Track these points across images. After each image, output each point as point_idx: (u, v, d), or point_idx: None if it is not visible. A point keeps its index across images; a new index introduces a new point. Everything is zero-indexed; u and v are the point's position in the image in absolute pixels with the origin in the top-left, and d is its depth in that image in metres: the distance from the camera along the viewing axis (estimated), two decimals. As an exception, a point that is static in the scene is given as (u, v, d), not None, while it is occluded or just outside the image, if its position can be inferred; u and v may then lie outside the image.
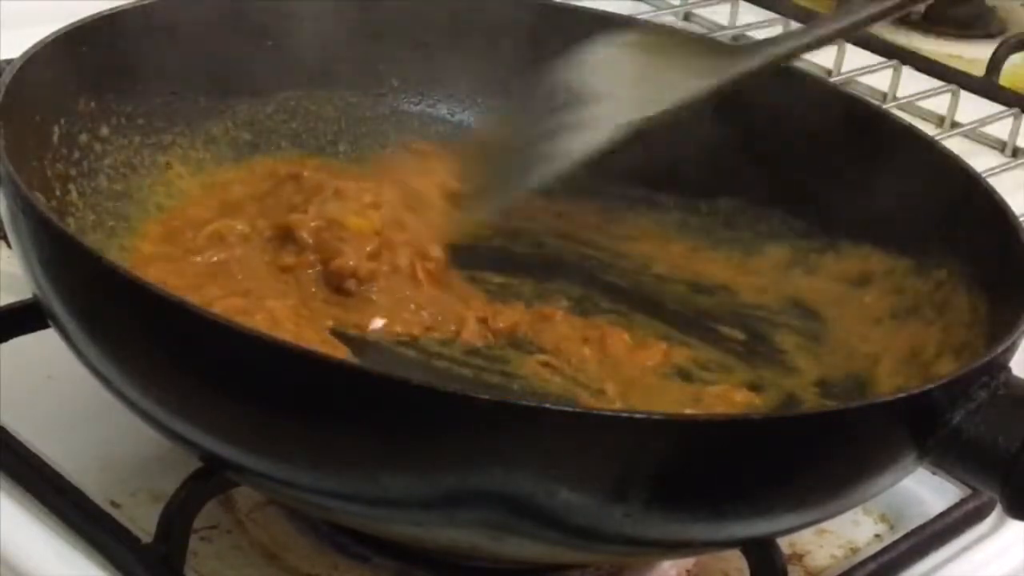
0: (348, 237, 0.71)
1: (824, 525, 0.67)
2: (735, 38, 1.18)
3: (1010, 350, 0.59)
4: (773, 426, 0.55)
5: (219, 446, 0.56)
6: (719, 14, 1.21)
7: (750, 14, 1.21)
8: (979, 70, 1.13)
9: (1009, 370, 0.59)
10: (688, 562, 0.66)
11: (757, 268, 0.78)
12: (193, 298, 0.61)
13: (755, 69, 0.70)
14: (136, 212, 0.72)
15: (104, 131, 0.72)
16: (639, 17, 1.00)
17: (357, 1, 0.81)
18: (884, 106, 0.99)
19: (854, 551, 0.69)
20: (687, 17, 1.22)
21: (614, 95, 0.69)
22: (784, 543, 0.63)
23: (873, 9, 0.71)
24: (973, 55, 1.21)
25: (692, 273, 0.79)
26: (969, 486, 0.70)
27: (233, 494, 0.65)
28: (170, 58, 0.75)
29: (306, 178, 0.74)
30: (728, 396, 0.69)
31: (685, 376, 0.71)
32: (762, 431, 0.55)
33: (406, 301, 0.70)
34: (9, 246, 0.63)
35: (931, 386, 0.57)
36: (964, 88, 1.11)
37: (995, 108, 1.10)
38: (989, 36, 1.26)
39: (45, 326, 0.62)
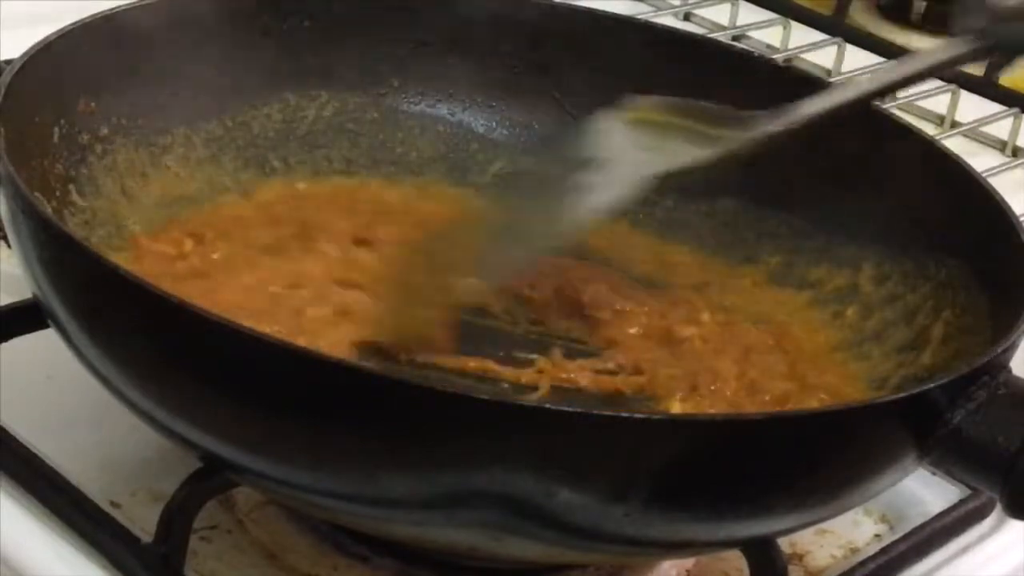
0: None
1: (824, 525, 0.67)
2: (735, 38, 1.18)
3: (1010, 350, 0.59)
4: (773, 426, 0.55)
5: (219, 446, 0.56)
6: (719, 14, 1.21)
7: (750, 14, 1.21)
8: (979, 70, 1.13)
9: (1009, 370, 0.59)
10: (688, 562, 0.66)
11: (756, 269, 0.78)
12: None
13: (766, 136, 0.70)
14: (136, 212, 0.72)
15: (104, 131, 0.72)
16: (639, 17, 0.99)
17: (357, 1, 0.81)
18: (884, 106, 0.98)
19: (854, 551, 0.69)
20: (687, 17, 1.22)
21: (623, 159, 0.69)
22: (784, 543, 0.63)
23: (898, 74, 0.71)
24: (973, 55, 1.21)
25: (691, 272, 0.79)
26: (969, 486, 0.70)
27: (233, 494, 0.65)
28: (170, 58, 0.75)
29: None
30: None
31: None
32: (762, 431, 0.55)
33: None
34: (9, 246, 0.63)
35: (931, 386, 0.57)
36: (964, 88, 1.11)
37: (995, 108, 1.10)
38: (989, 36, 1.26)
39: (45, 326, 0.62)
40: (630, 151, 0.69)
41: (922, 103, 1.10)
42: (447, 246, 0.73)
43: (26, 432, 0.66)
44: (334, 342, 0.66)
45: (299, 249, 0.73)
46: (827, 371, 0.71)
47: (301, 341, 0.62)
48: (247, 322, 0.54)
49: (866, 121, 0.77)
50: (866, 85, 0.71)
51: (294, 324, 0.67)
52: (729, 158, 0.70)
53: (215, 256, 0.71)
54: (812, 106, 0.70)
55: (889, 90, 0.72)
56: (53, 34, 0.69)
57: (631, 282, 0.76)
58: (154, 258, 0.70)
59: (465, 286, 0.69)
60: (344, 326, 0.68)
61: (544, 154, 0.74)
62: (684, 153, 0.69)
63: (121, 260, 0.67)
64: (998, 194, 0.70)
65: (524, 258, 0.71)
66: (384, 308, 0.69)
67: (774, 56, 1.12)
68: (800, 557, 0.68)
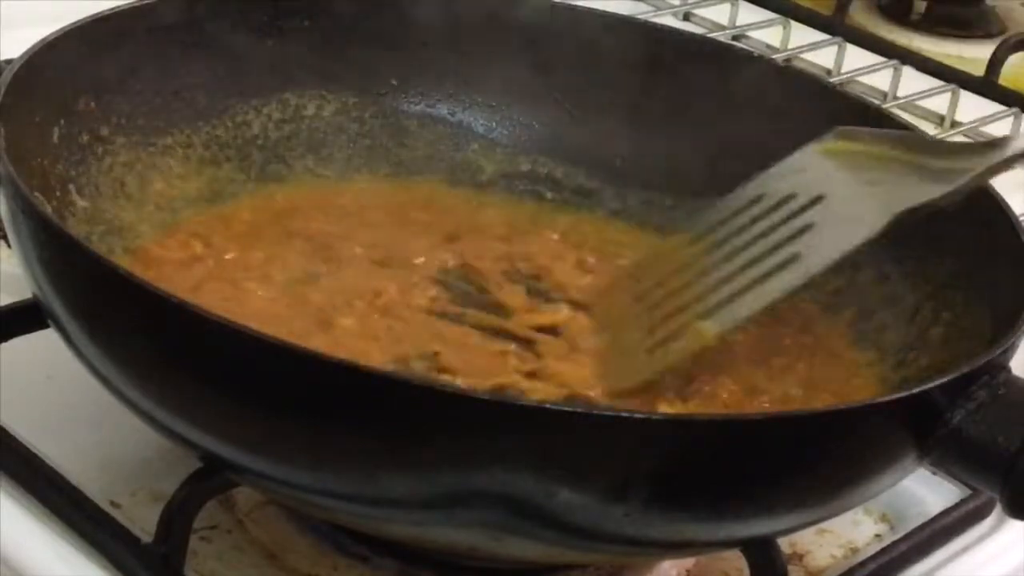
0: None
1: (824, 525, 0.67)
2: (735, 38, 1.18)
3: (1010, 350, 0.59)
4: (773, 426, 0.55)
5: (219, 446, 0.56)
6: (719, 14, 1.21)
7: (750, 14, 1.21)
8: (979, 70, 1.13)
9: (1009, 370, 0.59)
10: (688, 562, 0.66)
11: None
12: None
13: (992, 168, 0.65)
14: (136, 212, 0.72)
15: (104, 131, 0.72)
16: (639, 17, 0.99)
17: (357, 1, 0.81)
18: (884, 106, 0.99)
19: (854, 551, 0.69)
20: (687, 17, 1.22)
21: (850, 195, 0.65)
22: (784, 543, 0.63)
23: None
24: (973, 55, 1.21)
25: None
26: (969, 486, 0.71)
27: (233, 494, 0.65)
28: (170, 58, 0.75)
29: None
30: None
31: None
32: (762, 431, 0.55)
33: None
34: (9, 246, 0.64)
35: (931, 386, 0.57)
36: (964, 88, 1.11)
37: (995, 108, 1.10)
38: (989, 36, 1.26)
39: (45, 326, 0.62)
40: (853, 185, 0.65)
41: (922, 103, 1.11)
42: (661, 283, 0.69)
43: (26, 432, 0.66)
44: (373, 353, 0.66)
45: (311, 253, 0.73)
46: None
47: (340, 350, 0.62)
48: (281, 331, 0.54)
49: (865, 121, 0.77)
50: None
51: (330, 332, 0.67)
52: (967, 190, 0.65)
53: (228, 257, 0.71)
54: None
55: None
56: (53, 34, 0.69)
57: None
58: (166, 264, 0.70)
59: (704, 331, 0.66)
60: (382, 337, 0.68)
61: (738, 190, 0.69)
62: (921, 188, 0.65)
63: (128, 266, 0.67)
64: (998, 194, 0.70)
65: (762, 303, 0.67)
66: (607, 353, 0.67)
67: (774, 56, 1.12)
68: (800, 557, 0.68)
